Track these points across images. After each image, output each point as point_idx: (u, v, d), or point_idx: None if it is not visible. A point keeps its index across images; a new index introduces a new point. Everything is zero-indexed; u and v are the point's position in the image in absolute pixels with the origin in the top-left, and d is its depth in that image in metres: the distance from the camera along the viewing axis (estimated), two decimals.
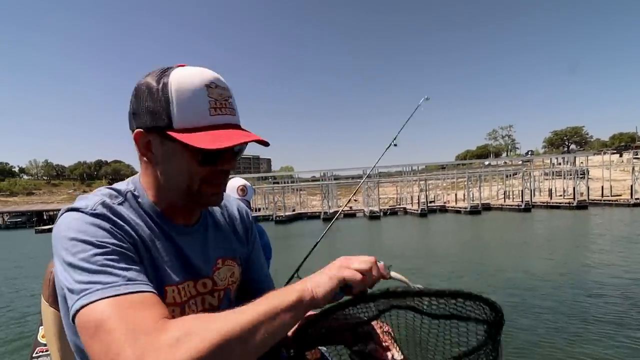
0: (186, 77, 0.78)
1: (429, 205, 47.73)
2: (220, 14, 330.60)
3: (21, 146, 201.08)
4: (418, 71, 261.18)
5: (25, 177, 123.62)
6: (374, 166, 4.21)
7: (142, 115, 0.79)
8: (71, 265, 0.68)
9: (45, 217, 70.08)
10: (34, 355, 1.56)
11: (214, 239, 0.97)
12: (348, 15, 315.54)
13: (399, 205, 53.16)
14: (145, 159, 0.84)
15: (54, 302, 1.18)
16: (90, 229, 0.71)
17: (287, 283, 1.36)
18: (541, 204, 41.97)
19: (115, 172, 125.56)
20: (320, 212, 43.44)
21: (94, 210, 0.75)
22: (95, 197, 0.79)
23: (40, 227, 51.92)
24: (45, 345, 1.53)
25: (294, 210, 50.10)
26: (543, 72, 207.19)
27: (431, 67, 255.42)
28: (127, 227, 0.77)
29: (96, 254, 0.68)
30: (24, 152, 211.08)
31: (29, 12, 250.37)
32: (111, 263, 0.68)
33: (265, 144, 0.82)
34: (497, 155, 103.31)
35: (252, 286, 1.04)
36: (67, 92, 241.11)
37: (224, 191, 0.90)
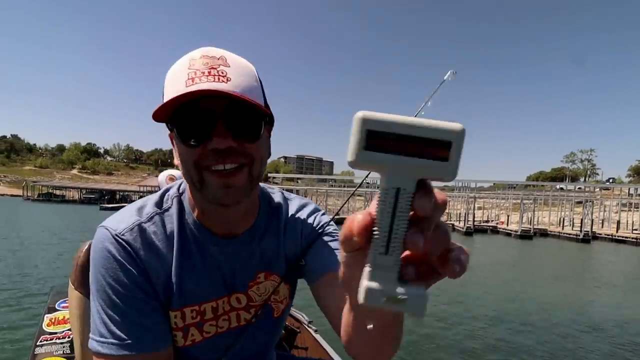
0: (177, 61, 0.73)
1: (481, 225, 45.36)
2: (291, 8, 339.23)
3: (108, 129, 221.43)
4: (495, 84, 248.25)
5: (108, 158, 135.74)
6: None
7: None
8: (96, 299, 0.73)
9: (117, 196, 76.14)
10: (37, 343, 1.58)
11: (260, 249, 0.87)
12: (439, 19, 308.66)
13: (449, 221, 50.66)
14: (176, 161, 0.77)
15: (79, 285, 1.19)
16: (112, 266, 0.73)
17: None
18: (605, 236, 37.73)
19: None
20: None
21: (122, 235, 0.75)
22: (133, 217, 0.79)
23: (104, 205, 55.88)
24: (50, 334, 1.62)
25: (336, 215, 49.42)
26: (633, 92, 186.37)
27: (510, 81, 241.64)
28: (150, 257, 0.76)
29: (114, 300, 0.72)
30: (110, 135, 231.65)
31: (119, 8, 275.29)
32: (127, 311, 0.72)
33: (245, 102, 0.68)
34: (574, 179, 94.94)
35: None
36: (152, 79, 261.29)
37: (245, 184, 0.74)
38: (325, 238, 0.89)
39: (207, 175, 0.71)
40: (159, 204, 0.82)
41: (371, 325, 0.48)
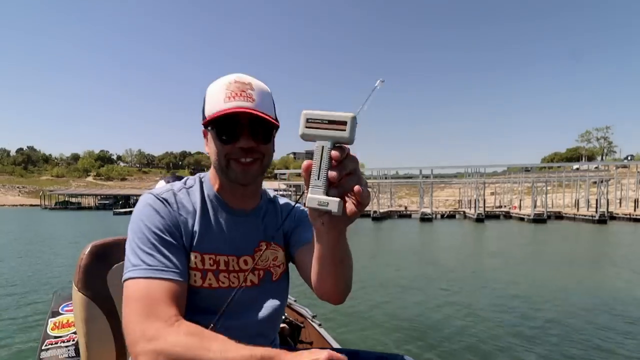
0: (216, 81, 1.03)
1: (493, 210, 44.77)
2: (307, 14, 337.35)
3: (120, 135, 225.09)
4: (505, 65, 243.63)
5: (121, 164, 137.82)
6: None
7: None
8: (133, 240, 0.94)
9: (131, 201, 76.97)
10: (43, 347, 1.61)
11: (263, 224, 1.13)
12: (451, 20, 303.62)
13: (461, 208, 50.06)
14: (207, 149, 1.06)
15: (82, 287, 1.24)
16: (151, 214, 0.96)
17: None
18: (623, 215, 36.92)
19: (197, 163, 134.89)
20: (370, 212, 39.70)
21: (161, 195, 1.00)
22: (168, 185, 1.06)
23: (118, 210, 56.27)
24: (55, 337, 1.66)
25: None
26: None
27: (520, 60, 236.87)
28: (181, 211, 1.00)
29: (149, 238, 0.93)
30: (122, 141, 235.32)
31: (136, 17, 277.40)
32: (158, 246, 0.92)
33: (262, 121, 0.97)
34: (590, 159, 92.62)
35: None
36: (161, 88, 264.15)
37: (258, 171, 1.02)
38: (304, 221, 1.15)
39: (233, 164, 0.99)
40: (184, 183, 1.08)
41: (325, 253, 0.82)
